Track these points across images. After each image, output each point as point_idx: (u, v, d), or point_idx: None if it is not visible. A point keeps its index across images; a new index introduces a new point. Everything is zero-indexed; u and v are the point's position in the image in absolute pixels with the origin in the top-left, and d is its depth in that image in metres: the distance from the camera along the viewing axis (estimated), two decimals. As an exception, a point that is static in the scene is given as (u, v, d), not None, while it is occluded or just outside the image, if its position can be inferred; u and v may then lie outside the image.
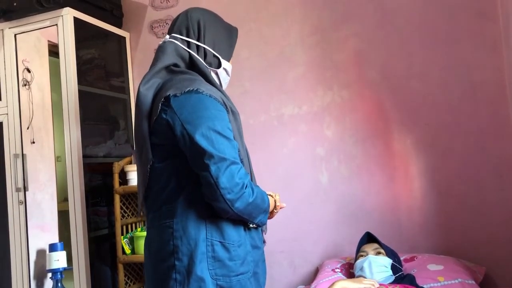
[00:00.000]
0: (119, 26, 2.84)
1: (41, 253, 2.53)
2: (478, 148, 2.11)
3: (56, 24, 2.45)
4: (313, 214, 2.40)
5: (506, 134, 2.07)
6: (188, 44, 1.38)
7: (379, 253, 1.90)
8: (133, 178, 2.48)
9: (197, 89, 1.23)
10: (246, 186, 1.21)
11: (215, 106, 1.24)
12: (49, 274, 2.41)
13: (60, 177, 2.73)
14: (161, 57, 1.34)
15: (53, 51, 2.70)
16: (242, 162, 1.28)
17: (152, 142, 1.28)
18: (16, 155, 2.50)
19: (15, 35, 2.56)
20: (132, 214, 2.62)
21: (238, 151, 1.26)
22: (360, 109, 2.34)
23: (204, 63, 1.37)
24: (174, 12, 2.72)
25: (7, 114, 2.54)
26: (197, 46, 1.38)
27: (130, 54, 2.88)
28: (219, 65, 1.43)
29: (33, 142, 2.58)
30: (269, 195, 1.38)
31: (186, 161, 1.24)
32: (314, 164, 2.41)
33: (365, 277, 1.83)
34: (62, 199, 2.70)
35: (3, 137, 2.53)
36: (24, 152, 2.52)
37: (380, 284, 1.74)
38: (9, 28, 2.56)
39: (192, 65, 1.36)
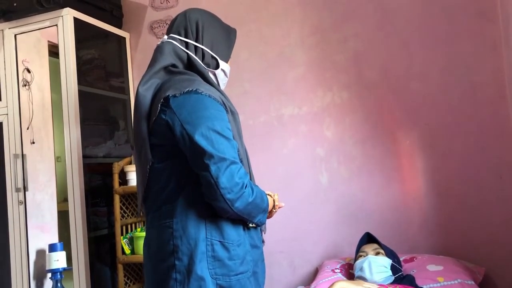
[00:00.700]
0: (119, 26, 2.84)
1: (40, 253, 2.53)
2: (478, 148, 2.11)
3: (56, 25, 2.46)
4: (313, 214, 2.40)
5: (506, 135, 2.07)
6: (186, 45, 1.38)
7: (378, 253, 1.91)
8: (132, 178, 2.48)
9: (196, 89, 1.23)
10: (246, 185, 1.22)
11: (215, 106, 1.24)
12: (49, 274, 2.42)
13: (60, 177, 2.73)
14: (159, 58, 1.34)
15: (53, 51, 2.70)
16: (241, 162, 1.28)
17: (151, 142, 1.28)
18: (16, 155, 2.50)
19: (15, 35, 2.56)
20: (132, 214, 2.62)
21: (238, 151, 1.27)
22: (360, 110, 2.34)
23: (202, 64, 1.37)
24: (174, 13, 2.72)
25: (7, 114, 2.54)
26: (195, 47, 1.38)
27: (130, 54, 2.88)
28: (217, 66, 1.42)
29: (33, 142, 2.58)
30: (268, 194, 1.39)
31: (185, 161, 1.25)
32: (314, 165, 2.41)
33: (365, 278, 1.83)
34: (62, 199, 2.70)
35: (3, 137, 2.53)
36: (24, 152, 2.52)
37: (380, 285, 1.74)
38: (9, 28, 2.56)
39: (190, 65, 1.36)
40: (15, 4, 2.49)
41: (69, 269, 2.41)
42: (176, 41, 1.37)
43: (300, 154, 2.45)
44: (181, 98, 1.22)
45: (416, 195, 2.22)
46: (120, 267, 2.43)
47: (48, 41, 2.76)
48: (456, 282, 1.79)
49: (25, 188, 2.49)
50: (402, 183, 2.25)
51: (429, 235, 2.19)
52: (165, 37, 1.39)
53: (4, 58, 2.56)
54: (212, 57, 1.41)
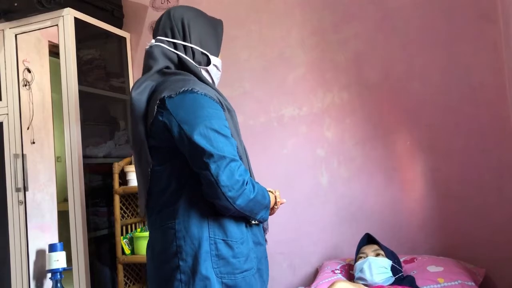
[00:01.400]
0: (119, 26, 2.84)
1: (40, 253, 2.53)
2: (478, 149, 2.11)
3: (57, 25, 2.46)
4: (313, 215, 2.40)
5: (506, 136, 2.07)
6: (175, 46, 1.36)
7: (378, 254, 1.90)
8: (133, 178, 2.48)
9: (191, 89, 1.23)
10: (247, 182, 1.22)
11: (211, 104, 1.24)
12: (49, 275, 2.42)
13: (60, 177, 2.73)
14: (151, 63, 1.34)
15: (54, 51, 2.71)
16: (241, 159, 1.28)
17: (150, 145, 1.28)
18: (16, 155, 2.50)
19: (15, 35, 2.57)
20: (132, 214, 2.62)
21: (237, 149, 1.27)
22: (360, 111, 2.34)
23: (194, 63, 1.36)
24: (175, 13, 2.72)
25: (7, 114, 2.54)
26: (184, 46, 1.37)
27: (130, 54, 2.88)
28: (208, 62, 1.41)
29: (33, 142, 2.58)
30: (269, 191, 1.39)
31: (185, 162, 1.24)
32: (314, 165, 2.41)
33: (365, 279, 1.83)
34: (62, 199, 2.70)
35: (3, 137, 2.53)
36: (24, 152, 2.52)
37: (380, 286, 1.74)
38: (10, 28, 2.56)
39: (182, 66, 1.35)
40: (15, 4, 2.49)
41: (69, 269, 2.41)
42: (164, 43, 1.36)
43: (300, 155, 2.45)
44: (177, 98, 1.22)
45: (417, 196, 2.22)
46: (120, 267, 2.43)
47: (49, 41, 2.76)
48: (456, 283, 1.79)
49: (25, 188, 2.49)
50: (402, 184, 2.25)
51: (429, 236, 2.19)
52: (153, 40, 1.38)
53: (5, 58, 2.56)
54: (203, 53, 1.39)
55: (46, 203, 2.65)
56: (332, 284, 1.61)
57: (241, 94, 2.57)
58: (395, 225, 2.24)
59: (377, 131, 2.30)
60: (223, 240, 1.24)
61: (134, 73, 2.88)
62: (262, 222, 1.37)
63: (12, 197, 2.49)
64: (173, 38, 1.37)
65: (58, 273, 2.40)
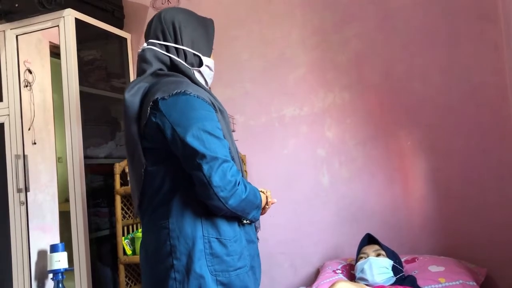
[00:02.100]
0: (120, 27, 2.84)
1: (42, 254, 2.53)
2: (479, 149, 2.11)
3: (58, 25, 2.46)
4: (313, 215, 2.40)
5: (507, 136, 2.07)
6: (167, 48, 1.37)
7: (379, 254, 1.91)
8: (134, 179, 2.48)
9: (184, 91, 1.24)
10: (239, 183, 1.23)
11: (204, 106, 1.26)
12: (50, 275, 2.42)
13: (61, 178, 2.73)
14: (144, 66, 1.35)
15: (55, 52, 2.71)
16: (233, 159, 1.30)
17: (143, 146, 1.29)
18: (17, 156, 2.50)
19: (16, 36, 2.57)
20: (133, 215, 2.62)
21: (229, 149, 1.29)
22: (361, 111, 2.34)
23: (186, 65, 1.37)
24: (175, 13, 2.72)
25: (8, 115, 2.54)
26: (176, 48, 1.37)
27: (131, 55, 2.88)
28: (200, 63, 1.42)
29: (34, 143, 2.59)
30: (261, 191, 1.41)
31: (178, 163, 1.26)
32: (315, 166, 2.42)
33: (366, 279, 1.83)
34: (63, 200, 2.70)
35: (5, 138, 2.53)
36: (25, 153, 2.52)
37: (381, 286, 1.74)
38: (11, 29, 2.56)
39: (174, 68, 1.36)
40: (16, 5, 2.49)
41: (70, 269, 2.41)
42: (156, 46, 1.37)
43: (301, 155, 2.45)
44: (170, 100, 1.23)
45: (417, 196, 2.22)
46: (121, 268, 2.43)
47: (50, 42, 2.76)
48: (457, 283, 1.79)
49: (26, 189, 2.49)
50: (403, 184, 2.25)
51: (430, 236, 2.19)
52: (145, 44, 1.39)
53: (6, 59, 2.56)
54: (195, 55, 1.40)
55: (48, 204, 2.65)
56: (333, 284, 1.61)
57: (242, 95, 2.57)
58: (396, 225, 2.24)
59: (378, 131, 2.30)
60: (216, 238, 1.26)
61: (135, 73, 2.88)
62: (253, 221, 1.38)
63: (13, 198, 2.49)
64: (164, 40, 1.38)
65: (59, 274, 2.40)
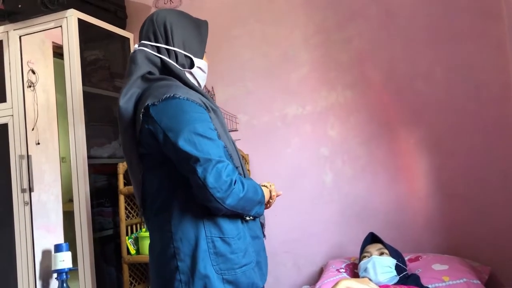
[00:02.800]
0: (123, 27, 2.85)
1: (46, 254, 2.54)
2: (483, 148, 2.11)
3: (61, 26, 2.47)
4: (317, 214, 2.40)
5: (511, 134, 2.06)
6: (158, 49, 1.37)
7: (382, 253, 1.90)
8: (137, 178, 2.48)
9: (173, 95, 1.24)
10: (235, 182, 1.22)
11: (194, 108, 1.25)
12: (55, 275, 2.43)
13: (65, 178, 2.74)
14: (134, 68, 1.34)
15: (58, 52, 2.71)
16: (231, 157, 1.31)
17: (140, 152, 1.31)
18: (21, 156, 2.51)
19: (20, 37, 2.58)
20: (137, 214, 2.62)
21: (226, 147, 1.29)
22: (364, 109, 2.34)
23: (177, 66, 1.37)
24: (178, 13, 2.72)
25: (12, 115, 2.55)
26: (167, 50, 1.37)
27: (134, 55, 2.88)
28: (192, 65, 1.41)
29: (38, 143, 2.59)
30: (264, 185, 1.41)
31: (174, 166, 1.26)
32: (318, 165, 2.42)
33: (369, 278, 1.82)
34: (67, 200, 2.70)
35: (9, 138, 2.54)
36: (29, 153, 2.53)
37: (385, 286, 1.74)
38: (14, 29, 2.57)
39: (166, 70, 1.36)
40: (19, 6, 2.50)
41: (74, 269, 2.42)
42: (148, 47, 1.37)
43: (304, 154, 2.45)
44: (160, 106, 1.23)
45: (421, 194, 2.22)
46: (125, 267, 2.44)
47: (53, 42, 2.76)
48: (461, 281, 1.79)
49: (30, 189, 2.50)
50: (406, 183, 2.25)
51: (434, 235, 2.18)
52: (136, 45, 1.39)
53: (9, 60, 2.57)
54: (186, 56, 1.40)
55: (52, 204, 2.66)
56: (337, 283, 1.60)
57: (245, 94, 2.57)
58: (400, 224, 2.24)
59: (381, 130, 2.30)
60: (219, 237, 1.26)
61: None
62: (257, 217, 1.38)
63: (17, 198, 2.50)
64: (156, 42, 1.38)
65: (64, 273, 2.41)
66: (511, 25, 1.98)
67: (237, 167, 1.31)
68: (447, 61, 2.18)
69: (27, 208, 2.48)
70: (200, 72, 1.44)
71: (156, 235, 1.33)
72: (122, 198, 2.46)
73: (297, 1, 2.49)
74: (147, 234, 2.43)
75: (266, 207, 1.44)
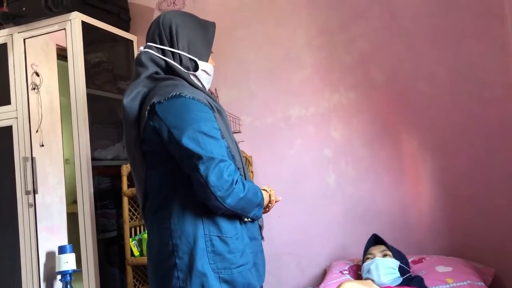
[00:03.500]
0: (126, 29, 2.86)
1: (50, 255, 2.55)
2: (486, 149, 2.10)
3: (64, 28, 2.48)
4: (320, 216, 2.40)
5: (515, 135, 2.06)
6: (163, 52, 1.38)
7: (386, 255, 1.90)
8: (141, 180, 2.49)
9: (179, 94, 1.25)
10: (236, 182, 1.24)
11: (199, 108, 1.26)
12: (59, 276, 2.44)
13: (69, 179, 2.75)
14: (140, 70, 1.36)
15: (62, 54, 2.73)
16: (233, 157, 1.32)
17: (143, 150, 1.32)
18: (25, 158, 2.52)
19: (24, 40, 2.59)
20: (140, 216, 2.63)
21: (228, 148, 1.30)
22: (367, 111, 2.33)
23: (182, 69, 1.37)
24: (181, 15, 2.73)
25: (16, 117, 2.56)
26: (172, 52, 1.38)
27: (137, 57, 2.89)
28: (196, 68, 1.41)
29: (42, 145, 2.61)
30: (264, 189, 1.42)
31: (177, 165, 1.28)
32: (321, 166, 2.41)
33: (373, 280, 1.82)
34: (71, 201, 2.72)
35: (13, 140, 2.56)
36: (33, 155, 2.54)
37: (388, 287, 1.74)
38: (18, 32, 2.59)
39: (170, 72, 1.37)
40: (24, 9, 2.52)
41: (78, 271, 2.43)
42: (153, 50, 1.38)
43: (307, 155, 2.45)
44: (166, 104, 1.25)
45: (425, 196, 2.21)
46: (129, 269, 2.44)
47: (57, 45, 2.78)
48: (465, 283, 1.78)
49: (34, 191, 2.51)
50: (410, 184, 2.24)
51: (438, 236, 2.18)
52: (142, 47, 1.40)
53: (14, 62, 2.59)
54: (191, 59, 1.40)
55: (55, 206, 2.67)
56: (340, 285, 1.60)
57: (248, 95, 2.58)
58: (404, 225, 2.23)
59: (384, 131, 2.29)
60: (218, 236, 1.27)
61: (141, 75, 2.89)
62: (255, 219, 1.39)
63: (22, 200, 2.51)
64: (161, 44, 1.39)
65: (68, 275, 2.42)
66: (515, 26, 1.97)
67: (238, 168, 1.32)
68: (451, 62, 2.17)
69: (31, 210, 2.49)
70: (204, 74, 1.44)
71: (155, 233, 1.34)
72: (125, 200, 2.46)
73: (300, 2, 2.49)
74: (151, 235, 2.44)
75: (265, 211, 1.45)
